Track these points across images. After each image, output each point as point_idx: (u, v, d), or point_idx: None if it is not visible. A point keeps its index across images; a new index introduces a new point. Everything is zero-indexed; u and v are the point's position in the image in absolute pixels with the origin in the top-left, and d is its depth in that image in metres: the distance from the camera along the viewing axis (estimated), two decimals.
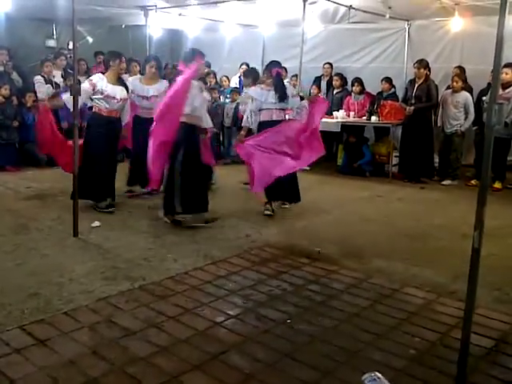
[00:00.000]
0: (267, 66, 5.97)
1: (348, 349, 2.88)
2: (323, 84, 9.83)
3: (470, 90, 8.03)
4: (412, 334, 3.07)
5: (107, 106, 5.55)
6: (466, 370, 2.52)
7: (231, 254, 4.38)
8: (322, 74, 9.90)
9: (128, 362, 2.67)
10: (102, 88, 5.50)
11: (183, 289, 3.63)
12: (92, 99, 5.61)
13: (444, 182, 7.82)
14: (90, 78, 5.75)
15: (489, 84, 7.36)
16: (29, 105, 8.13)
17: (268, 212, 5.66)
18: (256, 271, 4.02)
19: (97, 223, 5.10)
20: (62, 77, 8.82)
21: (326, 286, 3.79)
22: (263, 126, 5.55)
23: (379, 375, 2.43)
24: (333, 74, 9.71)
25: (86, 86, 5.50)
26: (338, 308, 3.41)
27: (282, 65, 9.93)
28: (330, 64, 9.81)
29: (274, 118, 5.58)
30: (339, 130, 8.38)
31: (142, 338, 2.93)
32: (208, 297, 3.51)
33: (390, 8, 7.91)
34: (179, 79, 4.93)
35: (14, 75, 8.64)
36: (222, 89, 9.71)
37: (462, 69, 8.16)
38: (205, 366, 2.65)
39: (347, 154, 8.61)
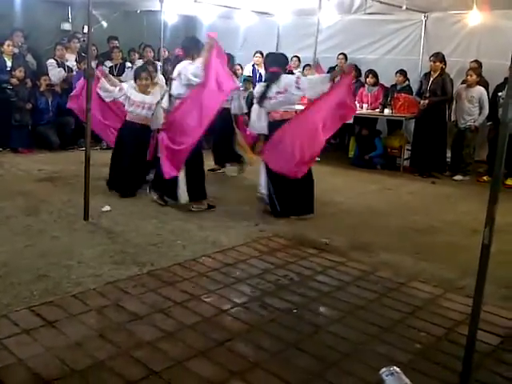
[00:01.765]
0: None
1: (353, 341, 2.88)
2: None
3: (486, 85, 7.93)
4: (418, 328, 3.07)
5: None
6: (472, 367, 2.52)
7: (239, 243, 4.39)
8: (336, 65, 9.82)
9: (134, 345, 2.70)
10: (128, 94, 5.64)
11: (191, 275, 3.65)
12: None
13: (455, 178, 7.76)
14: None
15: (505, 79, 7.26)
16: (42, 89, 8.16)
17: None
18: (263, 260, 4.04)
19: (107, 207, 5.13)
20: (76, 60, 8.84)
21: (333, 277, 3.79)
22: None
23: (397, 369, 2.43)
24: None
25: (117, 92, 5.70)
26: (345, 300, 3.41)
27: (297, 54, 9.98)
28: (345, 55, 9.72)
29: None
30: (352, 121, 8.32)
31: (149, 322, 2.95)
32: (215, 284, 3.53)
33: None
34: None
35: (29, 57, 8.66)
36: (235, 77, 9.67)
37: (478, 63, 8.06)
38: (210, 353, 2.67)
39: (359, 146, 8.56)
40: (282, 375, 2.52)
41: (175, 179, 5.19)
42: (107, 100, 5.89)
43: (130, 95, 5.64)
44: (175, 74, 5.31)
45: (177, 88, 5.27)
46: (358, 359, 2.70)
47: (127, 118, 5.73)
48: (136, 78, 5.72)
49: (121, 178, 5.76)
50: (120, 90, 5.70)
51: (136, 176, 5.82)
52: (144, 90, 5.70)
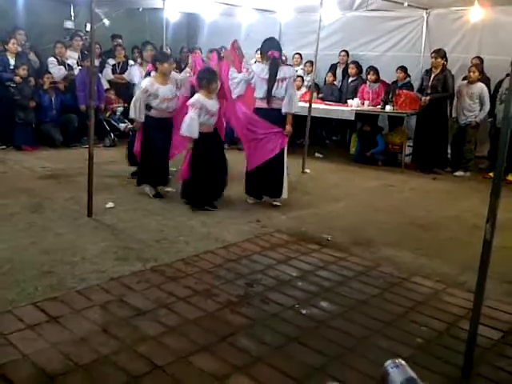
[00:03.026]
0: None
1: (355, 335, 2.90)
2: (339, 72, 9.78)
3: (488, 81, 7.94)
4: (419, 323, 3.09)
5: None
6: (473, 361, 2.54)
7: (242, 239, 4.41)
8: (338, 62, 9.84)
9: (138, 340, 2.73)
10: (153, 91, 5.37)
11: (194, 271, 3.68)
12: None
13: (457, 174, 7.78)
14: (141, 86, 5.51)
15: (507, 75, 7.27)
16: (46, 87, 8.18)
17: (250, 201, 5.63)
18: (266, 256, 4.06)
19: (111, 204, 5.16)
20: (79, 58, 8.87)
21: (335, 272, 3.81)
22: None
23: (403, 362, 2.44)
24: (348, 61, 9.65)
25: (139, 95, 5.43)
26: (346, 295, 3.43)
27: (298, 51, 9.99)
28: (346, 52, 9.74)
29: None
30: (353, 118, 8.35)
31: (153, 318, 2.98)
32: (218, 280, 3.55)
33: None
34: None
35: (32, 56, 8.69)
36: None
37: (480, 59, 8.06)
38: (213, 348, 2.70)
39: (361, 142, 8.57)
40: (284, 369, 2.54)
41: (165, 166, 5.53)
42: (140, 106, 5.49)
43: (153, 91, 5.36)
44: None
45: None
46: (360, 353, 2.72)
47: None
48: (159, 60, 5.45)
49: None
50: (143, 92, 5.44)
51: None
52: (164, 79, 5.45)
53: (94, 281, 3.42)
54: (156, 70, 5.48)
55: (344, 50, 9.75)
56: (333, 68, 9.80)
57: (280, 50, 5.44)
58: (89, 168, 4.74)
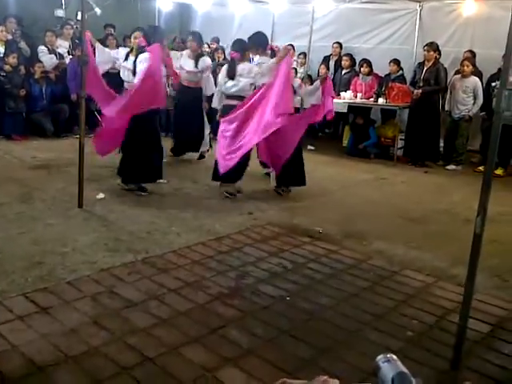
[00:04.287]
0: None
1: (345, 328, 2.91)
2: (331, 64, 9.76)
3: (480, 75, 7.94)
4: (410, 316, 3.10)
5: None
6: (462, 354, 2.56)
7: (233, 231, 4.41)
8: (331, 54, 9.81)
9: (128, 332, 2.72)
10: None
11: (185, 263, 3.67)
12: None
13: (448, 167, 7.80)
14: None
15: (499, 69, 7.28)
16: (37, 76, 8.09)
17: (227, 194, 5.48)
18: (257, 248, 4.06)
19: (101, 195, 5.13)
20: (70, 47, 8.77)
21: (326, 265, 3.82)
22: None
23: (394, 357, 2.44)
24: (342, 53, 9.62)
25: None
26: (337, 287, 3.44)
27: (292, 43, 9.94)
28: (339, 44, 9.71)
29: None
30: (346, 110, 8.34)
31: (143, 309, 2.97)
32: (209, 271, 3.55)
33: None
34: None
35: (22, 44, 8.57)
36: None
37: (473, 53, 8.07)
38: (204, 340, 2.70)
39: (353, 135, 8.57)
40: (275, 362, 2.55)
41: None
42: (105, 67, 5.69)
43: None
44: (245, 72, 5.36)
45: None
46: (351, 346, 2.74)
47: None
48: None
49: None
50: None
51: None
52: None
53: (85, 272, 3.41)
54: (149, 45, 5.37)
55: (337, 42, 9.71)
56: (326, 60, 9.77)
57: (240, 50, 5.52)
58: (79, 159, 4.71)
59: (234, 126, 5.26)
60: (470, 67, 7.61)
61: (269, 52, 5.81)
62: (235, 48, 5.56)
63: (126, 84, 5.48)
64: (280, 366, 2.52)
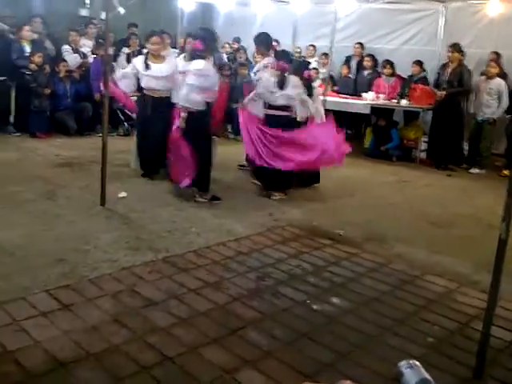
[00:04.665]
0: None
1: (365, 332, 2.89)
2: (353, 64, 9.70)
3: (505, 77, 7.82)
4: (431, 321, 3.07)
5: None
6: (485, 362, 2.52)
7: (253, 232, 4.41)
8: (353, 54, 9.76)
9: (149, 331, 2.74)
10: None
11: (205, 263, 3.68)
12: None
13: (472, 171, 7.69)
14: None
15: None
16: (61, 75, 8.20)
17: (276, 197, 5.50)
18: (277, 250, 4.05)
19: (124, 194, 5.17)
20: (93, 46, 8.86)
21: (347, 268, 3.79)
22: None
23: (417, 363, 2.42)
24: (363, 54, 9.56)
25: None
26: (358, 291, 3.42)
27: (313, 43, 9.91)
28: (361, 44, 9.65)
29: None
30: (368, 112, 8.28)
31: (163, 308, 2.99)
32: (229, 272, 3.56)
33: None
34: None
35: (48, 43, 8.69)
36: (252, 65, 9.63)
37: (498, 54, 7.94)
38: (223, 340, 2.70)
39: (375, 136, 8.49)
40: (293, 365, 2.54)
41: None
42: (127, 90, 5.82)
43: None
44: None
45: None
46: (370, 351, 2.71)
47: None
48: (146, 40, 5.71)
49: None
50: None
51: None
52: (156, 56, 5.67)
53: (106, 270, 3.44)
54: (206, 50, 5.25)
55: (359, 43, 9.65)
56: (347, 60, 9.72)
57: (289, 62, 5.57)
58: (102, 157, 4.75)
59: (277, 140, 5.35)
60: (497, 69, 7.48)
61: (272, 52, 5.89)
62: (284, 59, 5.57)
63: (159, 92, 5.56)
64: (299, 368, 2.51)
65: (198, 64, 4.97)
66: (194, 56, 5.07)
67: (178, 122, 5.07)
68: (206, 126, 5.27)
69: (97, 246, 3.86)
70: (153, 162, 5.91)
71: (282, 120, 5.38)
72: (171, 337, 2.71)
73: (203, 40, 5.04)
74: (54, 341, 2.59)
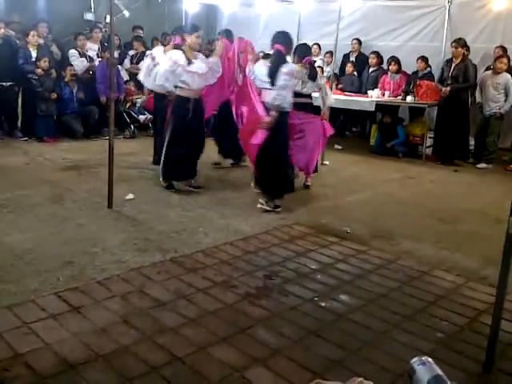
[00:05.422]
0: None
1: (374, 329, 2.89)
2: (352, 60, 9.72)
3: (511, 72, 7.78)
4: (440, 317, 3.06)
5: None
6: (495, 356, 2.51)
7: (260, 231, 4.41)
8: (350, 51, 9.77)
9: (158, 331, 2.75)
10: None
11: (213, 262, 3.69)
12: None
13: (479, 166, 7.66)
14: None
15: None
16: (67, 79, 8.25)
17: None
18: (285, 248, 4.05)
19: (131, 196, 5.20)
20: (99, 50, 8.91)
21: (354, 265, 3.79)
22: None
23: (429, 359, 2.41)
24: (361, 50, 9.61)
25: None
26: (366, 288, 3.41)
27: (318, 42, 9.90)
28: (358, 40, 9.68)
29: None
30: (373, 109, 8.26)
31: (172, 309, 3.00)
32: (237, 271, 3.56)
33: None
34: None
35: (54, 48, 8.74)
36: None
37: (504, 49, 7.90)
38: (232, 339, 2.71)
39: (381, 133, 8.48)
40: (302, 362, 2.54)
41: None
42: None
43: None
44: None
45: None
46: (379, 347, 2.71)
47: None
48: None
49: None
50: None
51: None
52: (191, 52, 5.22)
53: (115, 271, 3.46)
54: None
55: (356, 39, 9.68)
56: (346, 57, 9.73)
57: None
58: (109, 159, 4.78)
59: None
60: (506, 65, 7.44)
61: None
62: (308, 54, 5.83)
63: (196, 92, 5.28)
64: (307, 366, 2.51)
65: (289, 65, 4.94)
66: (278, 59, 4.87)
67: (265, 124, 4.83)
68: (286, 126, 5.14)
69: (105, 247, 3.88)
70: (187, 173, 5.56)
71: (307, 106, 5.73)
72: (180, 337, 2.72)
73: (284, 44, 4.92)
74: (64, 343, 2.60)
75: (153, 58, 5.84)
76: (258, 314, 2.99)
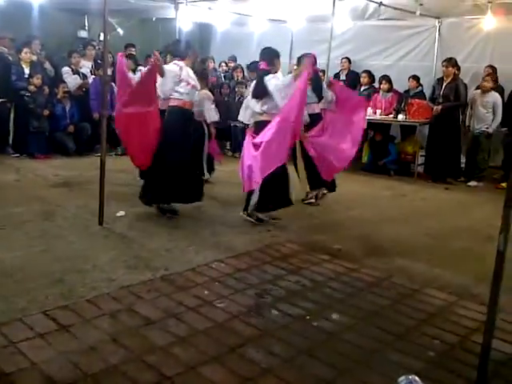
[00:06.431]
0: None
1: (366, 348, 2.87)
2: (342, 79, 9.79)
3: (501, 91, 7.87)
4: (431, 335, 3.04)
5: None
6: (487, 376, 2.49)
7: (252, 248, 4.40)
8: (341, 69, 9.86)
9: (147, 350, 2.71)
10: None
11: (203, 280, 3.66)
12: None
13: (470, 183, 7.71)
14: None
15: None
16: (59, 96, 8.26)
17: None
18: (276, 266, 4.03)
19: (122, 213, 5.17)
20: (92, 67, 8.94)
21: (346, 283, 3.78)
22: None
23: (416, 378, 2.40)
24: (351, 68, 9.68)
25: None
26: (358, 306, 3.40)
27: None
28: (348, 58, 9.78)
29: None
30: (365, 127, 8.29)
31: (162, 327, 2.97)
32: (228, 289, 3.54)
33: (421, 5, 7.78)
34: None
35: (47, 65, 8.78)
36: (249, 83, 9.69)
37: (493, 68, 8.00)
38: (222, 358, 2.68)
39: (372, 151, 8.53)
40: (293, 382, 2.51)
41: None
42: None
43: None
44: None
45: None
46: (371, 367, 2.69)
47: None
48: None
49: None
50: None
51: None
52: None
53: (104, 289, 3.42)
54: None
55: (345, 57, 9.77)
56: (336, 76, 9.81)
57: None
58: (100, 176, 4.77)
59: None
60: (491, 83, 7.54)
61: None
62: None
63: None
64: None
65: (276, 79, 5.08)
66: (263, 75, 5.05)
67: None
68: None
69: (95, 265, 3.85)
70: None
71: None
72: (170, 356, 2.68)
73: (266, 60, 5.12)
74: (51, 362, 2.56)
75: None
76: (249, 333, 2.96)
